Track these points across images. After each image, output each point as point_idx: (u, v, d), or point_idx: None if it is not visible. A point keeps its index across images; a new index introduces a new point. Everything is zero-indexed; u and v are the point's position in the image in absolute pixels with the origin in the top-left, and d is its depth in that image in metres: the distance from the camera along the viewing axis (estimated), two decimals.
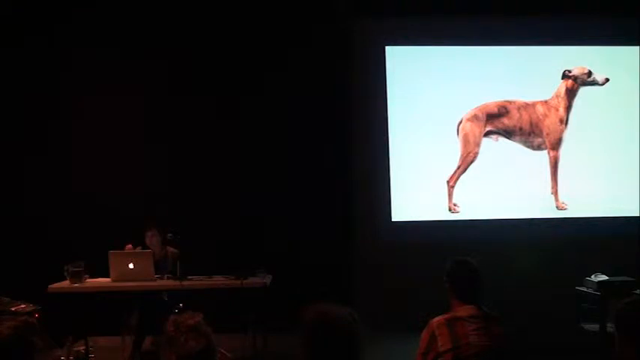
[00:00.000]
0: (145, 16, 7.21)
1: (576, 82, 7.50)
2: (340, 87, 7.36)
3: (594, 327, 6.13)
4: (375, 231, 7.48)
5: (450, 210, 7.48)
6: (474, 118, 7.48)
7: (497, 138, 7.52)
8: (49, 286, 5.82)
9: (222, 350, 2.66)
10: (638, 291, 6.05)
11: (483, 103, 7.49)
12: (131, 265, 5.92)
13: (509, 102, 7.51)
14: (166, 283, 5.97)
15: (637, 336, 1.84)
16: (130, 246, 6.14)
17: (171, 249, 6.25)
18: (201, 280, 5.94)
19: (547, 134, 7.52)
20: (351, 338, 2.10)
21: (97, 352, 6.04)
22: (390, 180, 7.45)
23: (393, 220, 7.49)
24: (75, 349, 5.89)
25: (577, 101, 7.52)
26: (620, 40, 7.54)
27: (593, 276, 6.30)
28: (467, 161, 7.47)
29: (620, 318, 1.91)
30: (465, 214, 7.48)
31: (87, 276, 5.98)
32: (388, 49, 7.51)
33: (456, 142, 7.48)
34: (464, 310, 3.10)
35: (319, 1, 7.36)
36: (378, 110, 7.46)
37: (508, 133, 7.52)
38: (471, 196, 7.47)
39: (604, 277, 6.23)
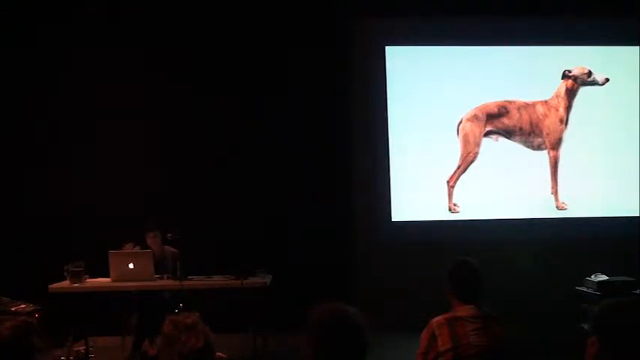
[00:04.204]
0: (145, 16, 7.21)
1: (576, 82, 7.50)
2: (340, 87, 7.36)
3: None
4: (375, 231, 7.48)
5: (450, 210, 7.48)
6: (474, 118, 7.48)
7: (497, 138, 7.52)
8: (49, 286, 5.83)
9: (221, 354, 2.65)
10: (638, 291, 6.05)
11: (483, 103, 7.49)
12: (131, 265, 5.92)
13: (509, 102, 7.51)
14: (166, 283, 5.97)
15: (618, 338, 1.84)
16: (129, 245, 6.14)
17: (170, 249, 6.25)
18: (201, 280, 5.95)
19: (547, 134, 7.52)
20: (363, 338, 2.10)
21: (97, 352, 6.05)
22: (390, 180, 7.45)
23: (393, 220, 7.49)
24: (75, 349, 5.90)
25: (577, 101, 7.52)
26: (620, 40, 7.54)
27: (593, 276, 6.30)
28: (467, 161, 7.47)
29: (601, 319, 1.90)
30: (465, 214, 7.48)
31: (87, 276, 5.99)
32: (388, 49, 7.51)
33: (456, 142, 7.48)
34: (464, 310, 3.10)
35: (319, 1, 7.36)
36: (378, 110, 7.46)
37: (508, 133, 7.52)
38: (471, 196, 7.47)
39: (604, 277, 6.23)
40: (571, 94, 7.51)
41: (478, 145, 7.48)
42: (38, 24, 7.16)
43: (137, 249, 6.14)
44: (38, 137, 7.19)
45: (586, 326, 5.92)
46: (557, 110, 7.51)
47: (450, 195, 7.47)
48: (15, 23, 7.13)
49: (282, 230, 7.18)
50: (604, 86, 7.49)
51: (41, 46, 7.14)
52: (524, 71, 7.53)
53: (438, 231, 7.36)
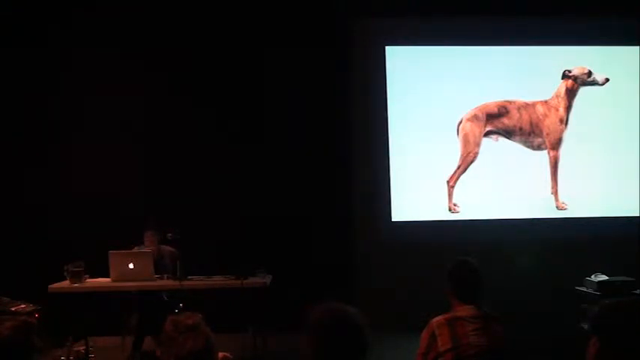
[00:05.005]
0: (145, 16, 7.21)
1: (576, 82, 7.49)
2: (340, 87, 7.36)
3: None
4: (375, 231, 7.47)
5: (450, 210, 7.48)
6: (474, 118, 7.48)
7: (497, 138, 7.52)
8: (49, 286, 5.83)
9: (227, 354, 2.65)
10: (638, 291, 6.05)
11: (483, 103, 7.49)
12: (131, 265, 5.92)
13: (509, 102, 7.51)
14: (166, 283, 5.97)
15: (618, 339, 1.84)
16: (137, 248, 6.14)
17: (168, 248, 6.24)
18: (201, 280, 5.95)
19: (547, 134, 7.52)
20: (363, 338, 2.09)
21: (97, 352, 6.05)
22: (390, 180, 7.45)
23: (393, 220, 7.48)
24: (75, 349, 5.89)
25: (577, 101, 7.51)
26: (620, 40, 7.54)
27: (593, 276, 6.30)
28: (467, 161, 7.47)
29: (601, 319, 1.91)
30: (465, 214, 7.47)
31: (87, 276, 5.98)
32: (388, 49, 7.51)
33: (456, 142, 7.48)
34: (464, 310, 3.10)
35: (319, 1, 7.36)
36: (378, 110, 7.45)
37: (508, 133, 7.52)
38: (471, 196, 7.46)
39: (604, 277, 6.24)
40: (571, 94, 7.50)
41: (478, 145, 7.48)
42: (38, 24, 7.15)
43: (136, 249, 6.14)
44: (38, 137, 7.19)
45: (586, 326, 5.93)
46: (557, 110, 7.51)
47: (450, 195, 7.47)
48: (15, 23, 7.13)
49: (282, 230, 7.17)
50: (604, 86, 7.49)
51: (41, 47, 7.14)
52: (524, 71, 7.53)
53: (438, 231, 7.36)
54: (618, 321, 1.85)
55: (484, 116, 7.48)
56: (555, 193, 7.52)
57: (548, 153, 7.52)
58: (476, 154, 7.47)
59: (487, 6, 7.26)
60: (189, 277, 5.91)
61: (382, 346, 5.93)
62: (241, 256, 6.29)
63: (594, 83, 7.50)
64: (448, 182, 7.47)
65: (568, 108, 7.51)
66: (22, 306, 5.66)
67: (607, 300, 2.00)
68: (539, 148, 7.54)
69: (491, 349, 3.05)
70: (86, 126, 7.24)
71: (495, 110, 7.50)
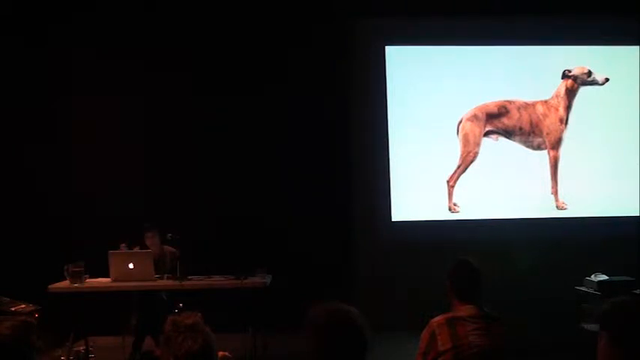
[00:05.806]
0: (145, 16, 7.21)
1: (576, 82, 7.49)
2: (340, 87, 7.36)
3: (594, 327, 6.11)
4: (375, 231, 7.48)
5: (450, 210, 7.48)
6: (474, 117, 7.48)
7: (497, 138, 7.52)
8: (49, 286, 5.83)
9: (226, 353, 2.64)
10: (638, 291, 6.05)
11: (483, 103, 7.49)
12: (131, 265, 5.92)
13: (510, 102, 7.51)
14: (166, 283, 5.97)
15: (625, 336, 1.85)
16: (124, 245, 6.12)
17: (169, 248, 6.24)
18: (201, 280, 5.95)
19: (547, 134, 7.52)
20: (363, 337, 2.09)
21: (97, 352, 6.06)
22: (390, 180, 7.45)
23: (393, 220, 7.49)
24: (75, 349, 5.90)
25: (577, 101, 7.51)
26: (620, 40, 7.54)
27: (593, 276, 6.30)
28: (467, 161, 7.47)
29: (608, 318, 1.92)
30: (465, 214, 7.47)
31: (87, 276, 5.98)
32: (388, 49, 7.51)
33: (456, 142, 7.48)
34: (464, 310, 3.10)
35: (319, 1, 7.36)
36: (378, 110, 7.45)
37: (508, 133, 7.52)
38: (471, 196, 7.46)
39: (604, 277, 6.24)
40: (571, 93, 7.50)
41: (478, 144, 7.48)
42: (38, 24, 7.15)
43: (136, 249, 6.13)
44: (38, 137, 7.19)
45: (586, 326, 5.94)
46: (557, 110, 7.51)
47: (450, 195, 7.47)
48: (15, 23, 7.13)
49: (282, 230, 7.17)
50: (604, 86, 7.49)
51: (41, 46, 7.13)
52: (524, 71, 7.53)
53: (438, 231, 7.35)
54: (626, 319, 1.86)
55: (484, 116, 7.48)
56: (555, 192, 7.52)
57: (548, 153, 7.51)
58: (476, 154, 7.47)
59: (487, 6, 7.26)
60: (189, 277, 5.91)
61: (382, 346, 5.93)
62: (241, 256, 6.29)
63: (594, 83, 7.50)
64: (448, 182, 7.47)
65: (568, 108, 7.51)
66: (22, 306, 5.67)
67: (615, 298, 2.00)
68: (539, 147, 7.54)
69: (491, 349, 3.05)
70: (86, 126, 7.24)
71: (495, 110, 7.50)
